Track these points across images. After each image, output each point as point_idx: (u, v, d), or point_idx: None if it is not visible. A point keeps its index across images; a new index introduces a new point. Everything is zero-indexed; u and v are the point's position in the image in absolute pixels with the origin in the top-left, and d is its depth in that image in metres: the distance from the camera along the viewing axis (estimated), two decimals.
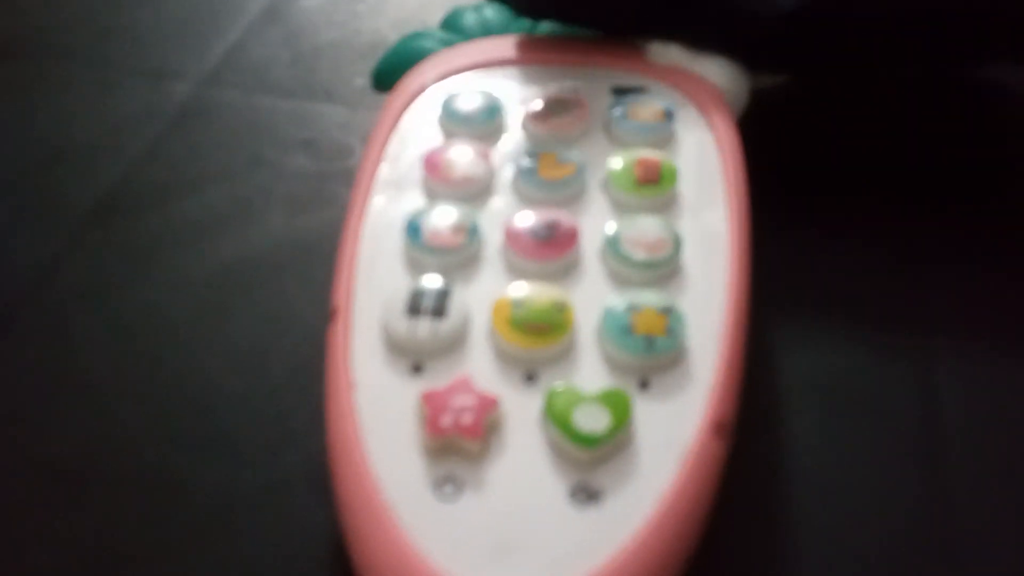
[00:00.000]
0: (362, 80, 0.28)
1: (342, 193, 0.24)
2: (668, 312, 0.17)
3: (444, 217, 0.19)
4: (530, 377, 0.17)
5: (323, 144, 0.26)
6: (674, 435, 0.16)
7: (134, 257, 0.22)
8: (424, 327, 0.17)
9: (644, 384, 0.17)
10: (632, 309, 0.17)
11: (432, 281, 0.18)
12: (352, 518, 0.15)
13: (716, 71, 0.23)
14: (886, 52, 0.24)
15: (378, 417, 0.16)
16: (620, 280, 0.18)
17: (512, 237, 0.19)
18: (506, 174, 0.20)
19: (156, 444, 0.18)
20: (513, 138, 0.21)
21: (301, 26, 0.31)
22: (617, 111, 0.21)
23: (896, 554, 0.18)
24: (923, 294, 0.22)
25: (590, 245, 0.19)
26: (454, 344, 0.17)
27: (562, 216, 0.19)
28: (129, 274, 0.22)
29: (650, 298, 0.17)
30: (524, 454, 0.16)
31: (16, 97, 0.28)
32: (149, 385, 0.19)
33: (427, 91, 0.22)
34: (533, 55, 0.23)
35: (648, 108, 0.21)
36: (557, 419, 0.16)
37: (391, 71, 0.24)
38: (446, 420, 0.16)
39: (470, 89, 0.22)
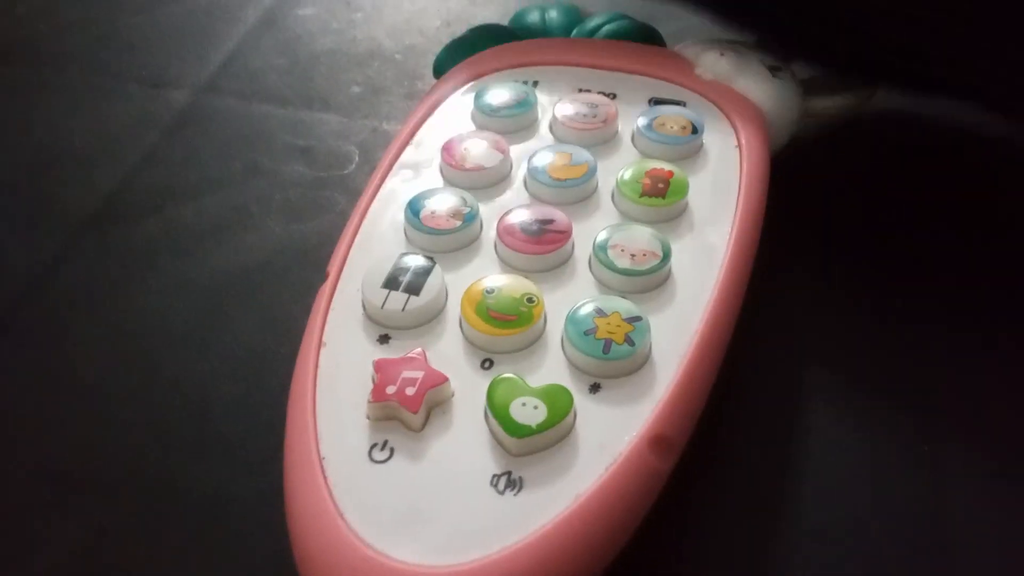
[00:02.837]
0: (359, 88, 0.29)
1: (339, 200, 0.25)
2: (635, 321, 0.17)
3: (445, 201, 0.20)
4: (487, 364, 0.17)
5: (320, 152, 0.26)
6: (609, 442, 0.16)
7: (131, 263, 0.22)
8: (396, 301, 0.18)
9: (595, 388, 0.17)
10: (598, 313, 0.18)
11: (415, 260, 0.18)
12: (288, 466, 0.16)
13: (761, 91, 0.23)
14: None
15: (336, 377, 0.17)
16: (603, 285, 0.19)
17: (503, 228, 0.19)
18: (522, 170, 0.21)
19: (153, 449, 0.18)
20: (539, 135, 0.22)
21: (298, 34, 0.31)
22: (643, 120, 0.21)
23: (892, 554, 0.17)
24: (922, 289, 0.22)
25: (582, 250, 0.19)
26: (422, 322, 0.18)
27: (559, 216, 0.19)
28: (126, 280, 0.22)
29: (621, 305, 0.18)
30: (460, 435, 0.16)
31: (14, 103, 0.28)
32: (146, 390, 0.19)
33: (470, 84, 0.23)
34: (581, 58, 0.24)
35: (675, 121, 0.21)
36: (495, 406, 0.16)
37: (446, 61, 0.25)
38: (390, 388, 0.16)
39: (507, 84, 0.23)
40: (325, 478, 0.16)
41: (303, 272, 0.23)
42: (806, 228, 0.23)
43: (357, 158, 0.26)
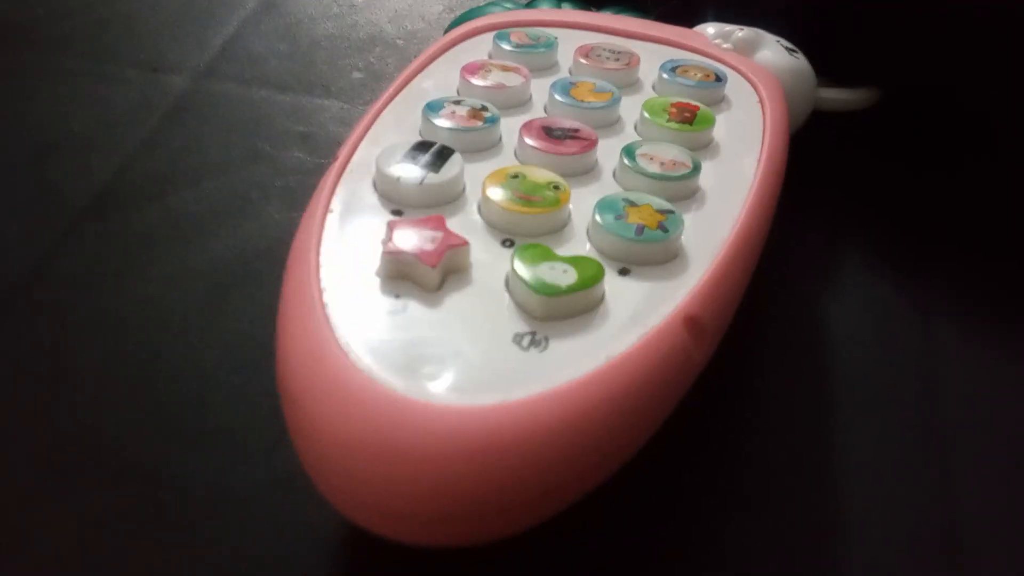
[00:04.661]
0: (359, 74, 0.28)
1: None
2: (668, 213, 0.16)
3: (466, 106, 0.19)
4: (508, 243, 0.16)
5: (320, 138, 0.26)
6: (642, 315, 0.15)
7: (130, 250, 0.22)
8: (413, 175, 0.17)
9: (624, 272, 0.16)
10: (629, 202, 0.16)
11: (433, 145, 0.17)
12: (284, 312, 0.14)
13: (778, 66, 0.23)
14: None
15: (343, 241, 0.16)
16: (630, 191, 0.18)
17: (526, 130, 0.18)
18: (543, 98, 0.20)
19: (152, 438, 0.18)
20: (560, 75, 0.21)
21: (298, 19, 0.31)
22: (667, 66, 0.21)
23: (899, 548, 0.16)
24: (926, 285, 0.22)
25: (607, 163, 0.18)
26: (439, 201, 0.17)
27: (584, 127, 0.18)
28: (125, 267, 0.22)
29: (652, 199, 0.17)
30: (480, 298, 0.15)
31: (12, 88, 0.28)
32: (145, 379, 0.19)
33: (485, 34, 0.23)
34: (601, 23, 0.24)
35: (698, 69, 0.21)
36: (522, 265, 0.15)
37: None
38: (406, 242, 0.15)
39: (527, 29, 0.22)
40: (327, 318, 0.14)
41: None
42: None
43: None
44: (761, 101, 0.21)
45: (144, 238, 0.22)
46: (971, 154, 0.26)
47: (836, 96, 0.25)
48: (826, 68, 0.24)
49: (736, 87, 0.21)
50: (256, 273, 0.21)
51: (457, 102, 0.19)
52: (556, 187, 0.17)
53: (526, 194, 0.16)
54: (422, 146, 0.17)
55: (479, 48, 0.22)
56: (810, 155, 0.22)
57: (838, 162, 0.25)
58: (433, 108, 0.18)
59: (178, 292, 0.21)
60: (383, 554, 0.16)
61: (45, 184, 0.24)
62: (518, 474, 0.12)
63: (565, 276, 0.15)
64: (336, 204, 0.16)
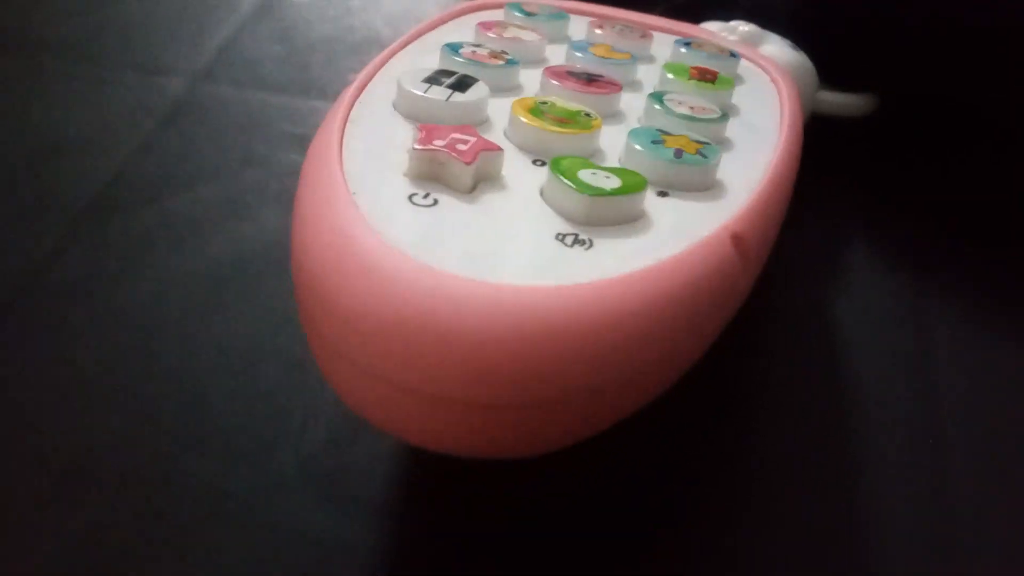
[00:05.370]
0: (356, 76, 0.28)
1: None
2: (704, 144, 0.16)
3: (486, 48, 0.18)
4: (539, 163, 0.15)
5: None
6: (687, 228, 0.14)
7: (128, 253, 0.22)
8: (439, 93, 0.16)
9: (663, 195, 0.15)
10: (665, 132, 0.16)
11: (460, 68, 0.17)
12: (307, 200, 0.13)
13: (784, 58, 0.23)
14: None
15: (365, 146, 0.15)
16: None
17: (550, 72, 0.17)
18: (559, 57, 0.20)
19: (149, 440, 0.17)
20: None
21: (294, 22, 0.31)
22: (681, 41, 0.21)
23: (897, 548, 0.16)
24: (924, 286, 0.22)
25: (631, 113, 0.18)
26: (464, 119, 0.16)
27: (607, 73, 0.18)
28: (122, 270, 0.21)
29: (687, 132, 0.16)
30: (518, 201, 0.14)
31: (7, 91, 0.27)
32: (142, 381, 0.18)
33: (494, 9, 0.22)
34: (611, 12, 0.23)
35: (712, 45, 0.21)
36: (563, 170, 0.14)
37: None
38: (438, 141, 0.14)
39: (538, 3, 0.22)
40: (354, 203, 0.13)
41: None
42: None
43: None
44: (775, 81, 0.21)
45: (141, 241, 0.22)
46: (974, 154, 0.26)
47: (835, 100, 0.25)
48: (826, 73, 0.25)
49: (748, 70, 0.21)
50: (253, 276, 0.21)
51: (477, 45, 0.18)
52: (588, 114, 0.16)
53: (557, 116, 0.16)
54: (445, 72, 0.16)
55: (491, 16, 0.22)
56: (810, 155, 0.22)
57: (839, 162, 0.25)
58: (453, 48, 0.18)
59: (175, 295, 0.20)
60: (382, 556, 0.15)
61: (42, 188, 0.24)
62: (579, 358, 0.11)
63: (608, 181, 0.14)
64: (355, 116, 0.15)
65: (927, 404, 0.19)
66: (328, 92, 0.27)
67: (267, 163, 0.25)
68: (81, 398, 0.18)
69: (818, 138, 0.22)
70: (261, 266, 0.21)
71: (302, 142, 0.25)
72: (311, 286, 0.12)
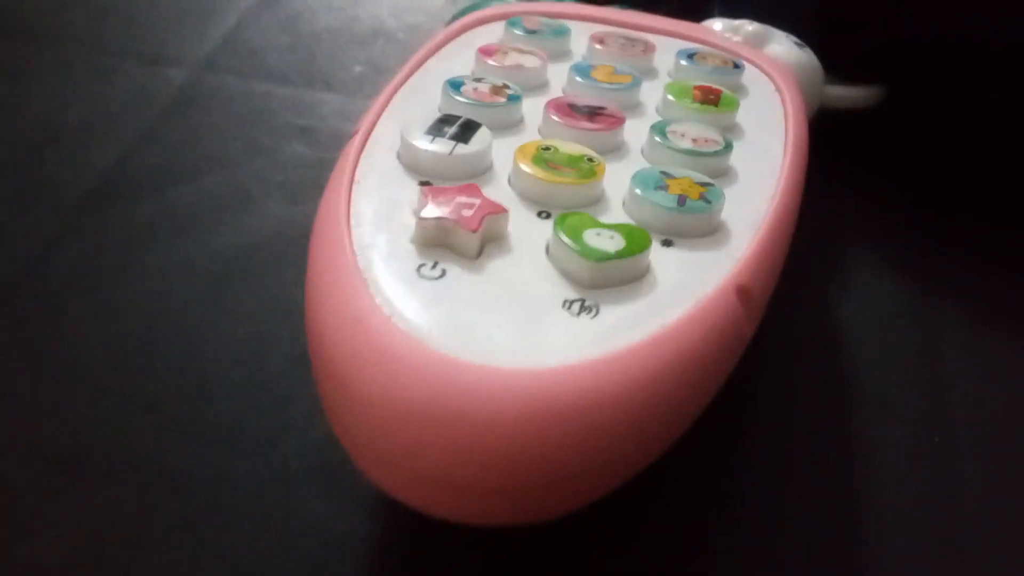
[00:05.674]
0: (361, 67, 0.28)
1: None
2: (707, 186, 0.16)
3: (487, 83, 0.18)
4: (544, 215, 0.15)
5: (321, 132, 0.25)
6: (691, 285, 0.14)
7: (130, 243, 0.22)
8: (442, 146, 0.16)
9: (667, 243, 0.15)
10: (667, 174, 0.16)
11: (459, 118, 0.17)
12: (317, 276, 0.14)
13: (789, 57, 0.22)
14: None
15: (372, 212, 0.15)
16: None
17: (552, 106, 0.17)
18: (560, 80, 0.20)
19: (152, 432, 0.17)
20: (573, 60, 0.21)
21: (299, 12, 0.31)
22: (683, 53, 0.21)
23: (904, 548, 0.16)
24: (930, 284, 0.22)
25: (634, 144, 0.18)
26: (469, 174, 0.16)
27: (610, 105, 0.18)
28: (125, 260, 0.21)
29: (690, 172, 0.16)
30: (523, 266, 0.14)
31: (11, 80, 0.27)
32: (145, 372, 0.18)
33: (496, 22, 0.22)
34: (612, 17, 0.23)
35: (715, 56, 0.21)
36: (567, 231, 0.14)
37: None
38: (443, 209, 0.14)
39: (539, 18, 0.22)
40: (364, 282, 0.13)
41: (304, 254, 0.21)
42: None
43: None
44: (779, 89, 0.21)
45: (144, 231, 0.22)
46: (977, 154, 0.26)
47: (842, 94, 0.25)
48: (832, 66, 0.24)
49: (752, 77, 0.21)
50: (256, 267, 0.21)
51: (478, 79, 0.18)
52: (590, 159, 0.16)
53: (560, 164, 0.16)
54: (447, 119, 0.16)
55: (490, 35, 0.21)
56: (814, 154, 0.22)
57: (845, 157, 0.25)
58: (454, 85, 0.18)
59: (178, 285, 0.20)
60: (386, 549, 0.15)
61: (44, 177, 0.24)
62: (586, 437, 0.12)
63: (612, 242, 0.14)
64: (360, 176, 0.16)
65: (934, 402, 0.19)
66: (332, 82, 0.27)
67: (271, 154, 0.25)
68: (81, 388, 0.18)
69: (824, 134, 0.22)
70: (265, 257, 0.21)
71: (306, 133, 0.25)
72: (328, 372, 0.13)
